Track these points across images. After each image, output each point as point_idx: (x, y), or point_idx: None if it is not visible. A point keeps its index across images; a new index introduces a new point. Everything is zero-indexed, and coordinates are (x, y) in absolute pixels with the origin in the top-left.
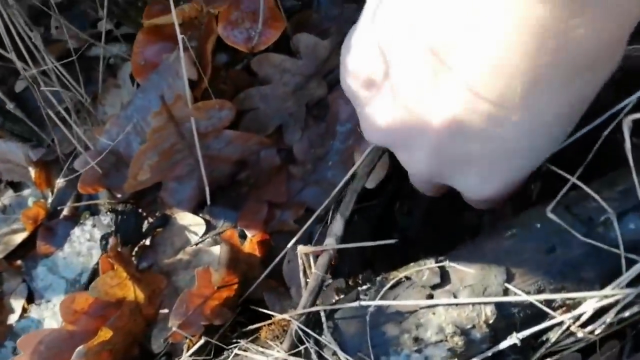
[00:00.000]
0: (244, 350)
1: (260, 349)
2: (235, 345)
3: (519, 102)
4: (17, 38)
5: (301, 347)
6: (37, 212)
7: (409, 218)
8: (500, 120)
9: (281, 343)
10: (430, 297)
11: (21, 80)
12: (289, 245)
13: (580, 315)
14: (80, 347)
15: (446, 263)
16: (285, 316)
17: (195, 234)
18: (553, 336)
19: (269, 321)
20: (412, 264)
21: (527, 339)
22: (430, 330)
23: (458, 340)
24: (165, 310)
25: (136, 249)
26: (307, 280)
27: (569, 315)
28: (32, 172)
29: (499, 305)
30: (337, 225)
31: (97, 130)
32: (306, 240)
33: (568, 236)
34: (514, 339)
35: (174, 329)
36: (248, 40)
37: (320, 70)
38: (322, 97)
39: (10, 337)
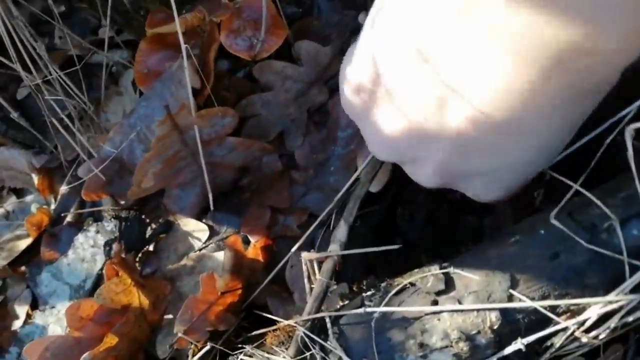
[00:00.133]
0: (250, 356)
1: (266, 355)
2: (240, 351)
3: (524, 124)
4: (20, 47)
5: (307, 353)
6: (41, 218)
7: (410, 223)
8: (505, 141)
9: (287, 349)
10: (435, 303)
11: (23, 88)
12: (292, 250)
13: (584, 321)
14: (86, 354)
15: (450, 269)
16: (291, 322)
17: (199, 239)
18: (557, 341)
19: (274, 327)
20: (416, 270)
21: (531, 344)
22: (435, 336)
23: (463, 346)
24: (170, 316)
25: (140, 255)
26: (312, 286)
27: (574, 320)
28: (35, 178)
29: (503, 311)
30: (341, 232)
31: (100, 138)
32: (309, 245)
33: (572, 242)
34: (518, 344)
35: (179, 335)
36: (250, 48)
37: (321, 77)
38: (323, 103)
39: (14, 343)
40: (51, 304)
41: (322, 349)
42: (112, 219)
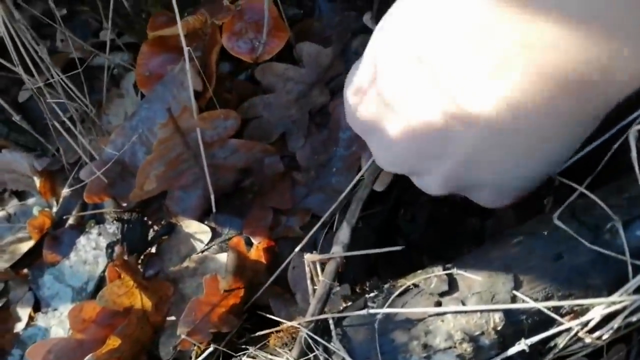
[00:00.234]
0: (253, 358)
1: (269, 356)
2: (243, 352)
3: (527, 142)
4: (22, 50)
5: (310, 355)
6: (43, 221)
7: (412, 224)
8: (510, 156)
9: (290, 350)
10: (439, 304)
11: (24, 91)
12: (295, 251)
13: (588, 322)
14: (89, 356)
15: (454, 270)
16: (294, 323)
17: (201, 241)
18: (561, 342)
19: (277, 328)
20: (419, 271)
21: (535, 345)
22: (439, 337)
23: (467, 347)
24: (173, 318)
25: (142, 257)
26: (315, 287)
27: (577, 321)
28: (37, 181)
29: (507, 312)
30: (344, 233)
31: (102, 140)
32: (311, 246)
33: (575, 243)
34: (522, 345)
35: (182, 336)
36: (252, 51)
37: (322, 78)
38: (324, 105)
39: (17, 346)
40: (53, 306)
41: (326, 350)
42: (114, 221)
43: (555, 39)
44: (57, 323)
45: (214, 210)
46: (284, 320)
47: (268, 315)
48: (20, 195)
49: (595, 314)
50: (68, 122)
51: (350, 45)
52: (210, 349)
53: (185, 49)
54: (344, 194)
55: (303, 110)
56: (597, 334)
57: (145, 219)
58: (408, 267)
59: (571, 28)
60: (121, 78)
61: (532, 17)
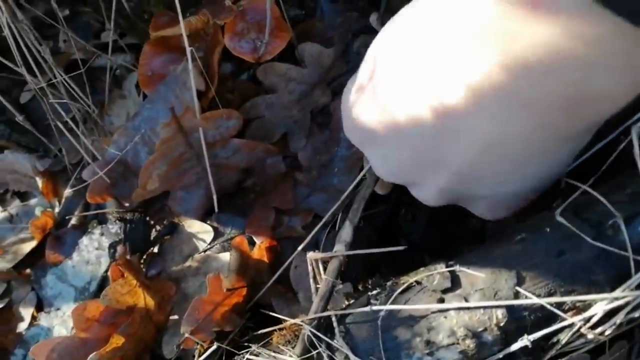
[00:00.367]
0: (256, 355)
1: (272, 354)
2: (246, 350)
3: (525, 154)
4: (25, 51)
5: (313, 352)
6: (46, 221)
7: (413, 224)
8: (505, 170)
9: (293, 348)
10: (442, 301)
11: (26, 92)
12: (297, 250)
13: (590, 317)
14: (92, 355)
15: (457, 267)
16: (297, 321)
17: (203, 241)
18: (563, 338)
19: (281, 326)
20: (422, 268)
21: (537, 340)
22: (442, 334)
23: (470, 343)
24: (175, 317)
25: (145, 257)
26: (317, 285)
27: (580, 317)
28: (39, 182)
29: (510, 308)
30: (346, 232)
31: (104, 140)
32: (313, 246)
33: (577, 239)
34: (524, 341)
35: (185, 335)
36: (254, 51)
37: (324, 78)
38: (326, 105)
39: (20, 345)
40: (56, 306)
41: (329, 347)
42: (117, 221)
43: (546, 53)
44: (60, 323)
45: (216, 209)
46: (287, 318)
47: (271, 314)
48: (23, 196)
49: (598, 310)
50: (70, 123)
51: (352, 45)
52: (213, 348)
53: (188, 48)
54: (346, 194)
55: (305, 110)
56: (599, 329)
57: (148, 218)
58: (410, 265)
59: (560, 44)
60: (123, 79)
61: (525, 29)
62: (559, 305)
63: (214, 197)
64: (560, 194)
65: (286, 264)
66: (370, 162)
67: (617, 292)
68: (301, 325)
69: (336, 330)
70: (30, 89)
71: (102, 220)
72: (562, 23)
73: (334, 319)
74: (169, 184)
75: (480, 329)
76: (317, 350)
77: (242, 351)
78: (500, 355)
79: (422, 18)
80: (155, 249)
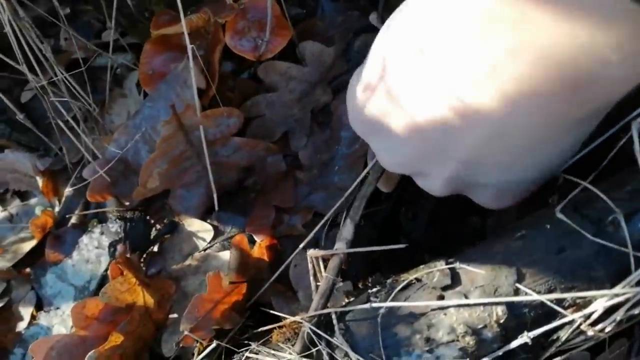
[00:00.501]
0: (255, 353)
1: (272, 352)
2: (246, 348)
3: (534, 140)
4: (26, 48)
5: (313, 350)
6: (46, 220)
7: (414, 222)
8: (514, 156)
9: (293, 345)
10: (441, 298)
11: (27, 91)
12: (298, 249)
13: (590, 314)
14: (91, 352)
15: (456, 264)
16: (297, 318)
17: (204, 239)
18: (563, 335)
19: (280, 323)
20: (422, 266)
21: (537, 338)
22: (441, 331)
23: (469, 340)
24: (175, 315)
25: (145, 255)
26: (318, 283)
27: (580, 314)
28: (40, 181)
29: (510, 305)
30: (347, 230)
31: (105, 139)
32: (313, 244)
33: (578, 236)
34: (525, 338)
35: (185, 333)
36: (255, 49)
37: (325, 77)
38: (327, 104)
39: (19, 345)
40: (56, 305)
41: (329, 344)
42: (117, 220)
43: (551, 39)
44: (60, 322)
45: (216, 208)
46: (286, 316)
47: (271, 311)
48: (23, 196)
49: (598, 306)
50: (71, 121)
51: (352, 44)
52: (213, 345)
53: (189, 47)
54: (348, 192)
55: (305, 109)
56: (599, 326)
57: (148, 217)
58: (410, 263)
59: (565, 29)
60: (124, 78)
61: (530, 16)
62: (559, 302)
63: (214, 195)
64: (557, 189)
65: (287, 262)
66: (375, 153)
67: (617, 289)
68: (301, 323)
69: (336, 328)
70: (31, 88)
71: (102, 219)
72: (568, 8)
73: (333, 316)
74: (169, 182)
75: (480, 326)
76: (316, 348)
77: (242, 349)
78: (500, 353)
79: (426, 12)
80: (156, 248)
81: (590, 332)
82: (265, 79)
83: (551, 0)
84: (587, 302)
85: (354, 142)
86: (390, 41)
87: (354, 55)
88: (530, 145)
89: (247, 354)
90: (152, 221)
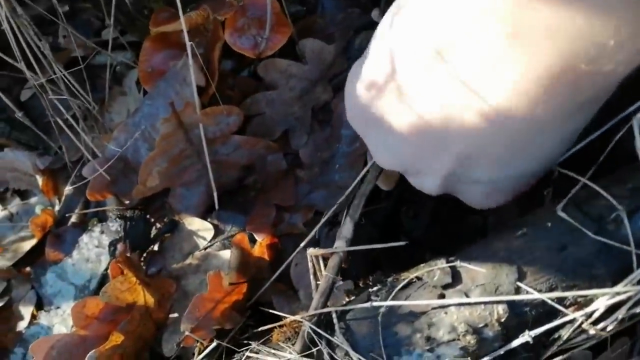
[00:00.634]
0: (256, 353)
1: (272, 351)
2: (247, 347)
3: (527, 139)
4: (25, 46)
5: (313, 349)
6: (46, 219)
7: (415, 221)
8: (509, 150)
9: (293, 345)
10: (442, 296)
11: (27, 89)
12: (299, 248)
13: (592, 313)
14: (91, 352)
15: (457, 263)
16: (297, 317)
17: (204, 238)
18: (565, 333)
19: (280, 323)
20: (422, 264)
21: (539, 336)
22: (442, 330)
23: (470, 339)
24: (175, 315)
25: (145, 254)
26: (318, 282)
27: (581, 312)
28: (40, 180)
29: (511, 304)
30: (347, 228)
31: (105, 137)
32: (314, 243)
33: (579, 234)
34: (526, 337)
35: (186, 333)
36: (255, 46)
37: (325, 75)
38: (327, 102)
39: (19, 344)
40: (56, 304)
41: (329, 344)
42: (117, 219)
43: (550, 32)
44: (60, 321)
45: (216, 207)
46: (287, 315)
47: (271, 311)
48: (23, 194)
49: (600, 305)
50: (71, 120)
51: (353, 42)
52: (213, 345)
53: (188, 44)
54: (348, 190)
55: (306, 107)
56: (601, 325)
57: (148, 216)
58: (410, 263)
59: (566, 22)
60: (124, 76)
61: (532, 4)
62: (560, 301)
63: (215, 194)
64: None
65: (287, 261)
66: (371, 150)
67: (619, 287)
68: (301, 322)
69: (336, 327)
70: (30, 87)
71: (102, 218)
72: None
73: (334, 315)
74: (169, 181)
75: (481, 325)
76: (317, 347)
77: (242, 349)
78: (501, 352)
79: (437, 8)
80: (156, 247)
81: (591, 331)
82: (265, 77)
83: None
84: (589, 301)
85: (355, 140)
86: (399, 38)
87: (354, 53)
88: (528, 135)
89: (247, 353)
90: (152, 220)
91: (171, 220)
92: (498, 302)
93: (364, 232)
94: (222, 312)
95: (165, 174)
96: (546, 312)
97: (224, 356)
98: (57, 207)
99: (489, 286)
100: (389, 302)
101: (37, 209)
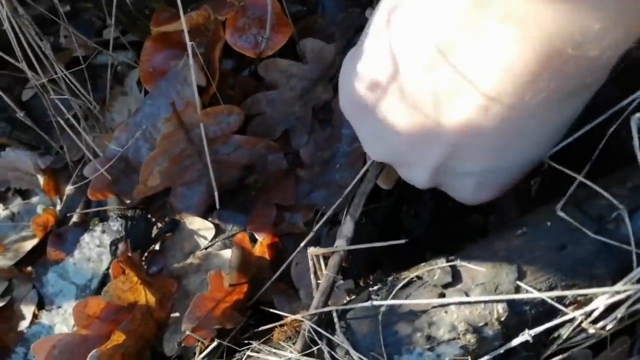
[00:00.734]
0: (257, 352)
1: (273, 350)
2: (247, 346)
3: (520, 119)
4: (26, 46)
5: (314, 348)
6: (47, 219)
7: (416, 220)
8: (500, 140)
9: (294, 344)
10: (442, 295)
11: (28, 89)
12: (299, 247)
13: (591, 312)
14: (93, 351)
15: (457, 262)
16: (298, 317)
17: (205, 238)
18: (564, 332)
19: (281, 322)
20: (422, 263)
21: (538, 335)
22: (442, 329)
23: (470, 338)
24: (177, 314)
25: (146, 254)
26: (318, 281)
27: (581, 311)
28: (41, 179)
29: (510, 303)
30: (347, 227)
31: (106, 137)
32: (315, 242)
33: (579, 234)
34: (526, 336)
35: (187, 332)
36: (255, 46)
37: (325, 74)
38: (327, 101)
39: (21, 343)
40: (57, 303)
41: (329, 343)
42: (118, 219)
43: (537, 16)
44: (61, 321)
45: (217, 206)
46: (287, 314)
47: (271, 310)
48: (24, 194)
49: (599, 304)
50: (72, 119)
51: (353, 41)
52: (214, 345)
53: (189, 44)
54: (348, 189)
55: (306, 106)
56: (600, 324)
57: (149, 215)
58: (411, 262)
59: (552, 6)
60: (124, 76)
61: None
62: (560, 300)
63: (215, 193)
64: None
65: (288, 261)
66: (362, 140)
67: (619, 286)
68: (302, 321)
69: (337, 326)
70: (32, 87)
71: (103, 217)
72: None
73: (334, 314)
74: (170, 180)
75: (481, 324)
76: (317, 346)
77: (243, 348)
78: (501, 350)
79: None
80: (157, 246)
81: (591, 330)
82: (266, 77)
83: None
84: (588, 300)
85: (355, 140)
86: (401, 32)
87: None
88: (518, 122)
89: (248, 352)
90: (153, 219)
91: (172, 220)
92: (498, 301)
93: (364, 232)
94: (223, 311)
95: (166, 173)
96: (546, 311)
97: (225, 355)
98: (58, 207)
99: (489, 285)
100: (390, 301)
101: (39, 209)
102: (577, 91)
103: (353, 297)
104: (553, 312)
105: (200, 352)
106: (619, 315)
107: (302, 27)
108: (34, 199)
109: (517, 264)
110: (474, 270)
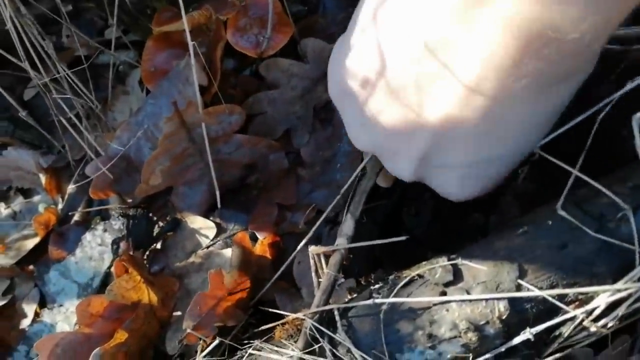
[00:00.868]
0: (259, 350)
1: (275, 348)
2: (249, 345)
3: (502, 109)
4: (28, 46)
5: (316, 346)
6: (49, 217)
7: (416, 219)
8: (483, 131)
9: (295, 342)
10: (444, 294)
11: (30, 88)
12: (300, 246)
13: (592, 310)
14: (96, 350)
15: (459, 261)
16: (300, 315)
17: (206, 237)
18: (566, 331)
19: (283, 320)
20: (424, 262)
21: (540, 334)
22: (444, 327)
23: (472, 336)
24: (179, 313)
25: (147, 253)
26: (319, 280)
27: (582, 309)
28: (43, 178)
29: (512, 301)
30: (348, 225)
31: (107, 136)
32: (316, 241)
33: (580, 232)
34: (527, 334)
35: (188, 330)
36: (257, 46)
37: (326, 74)
38: (328, 101)
39: (23, 342)
40: (59, 302)
41: (331, 341)
42: (120, 217)
43: (514, 1)
44: (63, 319)
45: (219, 205)
46: (288, 313)
47: (272, 310)
48: (26, 193)
49: (600, 302)
50: (74, 119)
51: None
52: (216, 343)
53: (190, 43)
54: (344, 188)
55: (308, 106)
56: (601, 322)
57: (151, 214)
58: (412, 261)
59: None
60: (126, 75)
61: None
62: (561, 298)
63: (217, 192)
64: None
65: (290, 259)
66: (348, 128)
67: (620, 284)
68: (303, 320)
69: (338, 324)
70: (34, 86)
71: (105, 216)
72: None
73: (336, 312)
74: (171, 179)
75: (482, 322)
76: (319, 344)
77: (245, 346)
78: (503, 349)
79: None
80: (158, 245)
81: (592, 328)
82: (267, 76)
83: None
84: (589, 298)
85: None
86: (387, 25)
87: None
88: (503, 110)
89: (250, 350)
90: (155, 218)
91: (174, 219)
92: (499, 299)
93: (365, 230)
94: (225, 309)
95: (168, 172)
96: (547, 310)
97: (226, 354)
98: (60, 206)
99: (490, 284)
100: (391, 300)
101: (41, 208)
102: (561, 78)
103: (354, 295)
104: (554, 311)
105: (202, 351)
106: (620, 314)
107: (303, 26)
108: (36, 198)
109: (518, 262)
110: (475, 269)
